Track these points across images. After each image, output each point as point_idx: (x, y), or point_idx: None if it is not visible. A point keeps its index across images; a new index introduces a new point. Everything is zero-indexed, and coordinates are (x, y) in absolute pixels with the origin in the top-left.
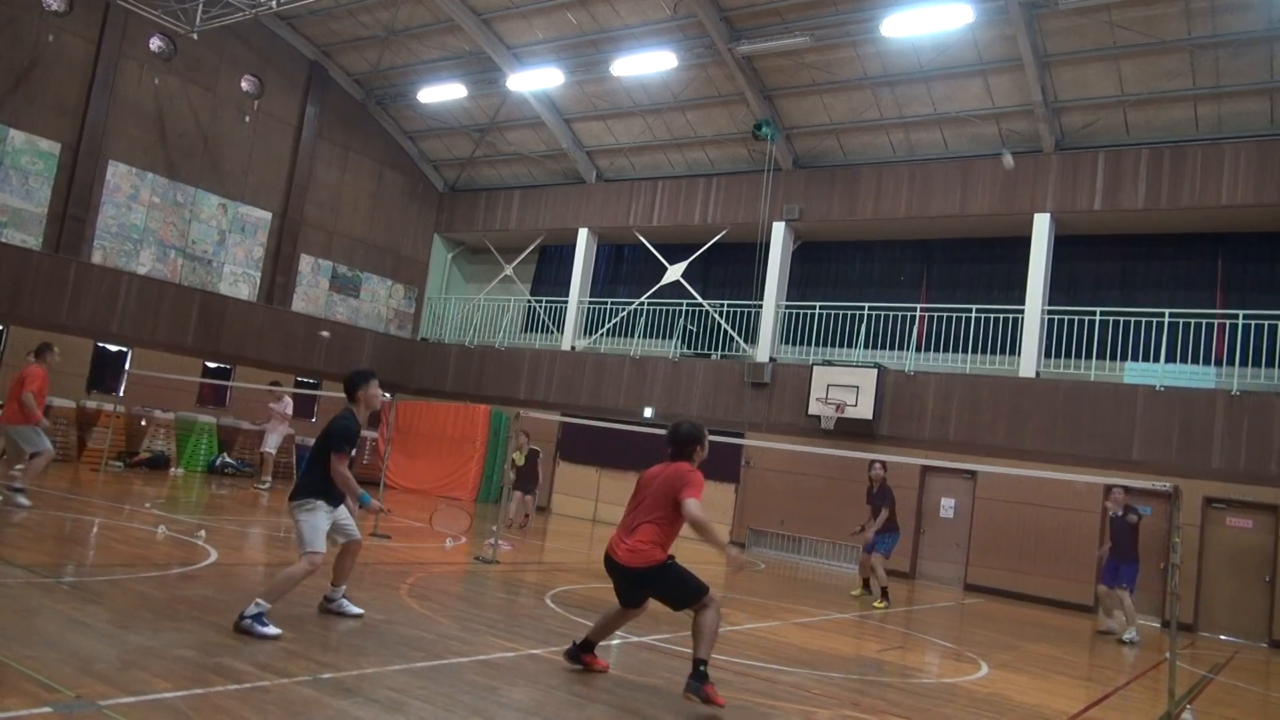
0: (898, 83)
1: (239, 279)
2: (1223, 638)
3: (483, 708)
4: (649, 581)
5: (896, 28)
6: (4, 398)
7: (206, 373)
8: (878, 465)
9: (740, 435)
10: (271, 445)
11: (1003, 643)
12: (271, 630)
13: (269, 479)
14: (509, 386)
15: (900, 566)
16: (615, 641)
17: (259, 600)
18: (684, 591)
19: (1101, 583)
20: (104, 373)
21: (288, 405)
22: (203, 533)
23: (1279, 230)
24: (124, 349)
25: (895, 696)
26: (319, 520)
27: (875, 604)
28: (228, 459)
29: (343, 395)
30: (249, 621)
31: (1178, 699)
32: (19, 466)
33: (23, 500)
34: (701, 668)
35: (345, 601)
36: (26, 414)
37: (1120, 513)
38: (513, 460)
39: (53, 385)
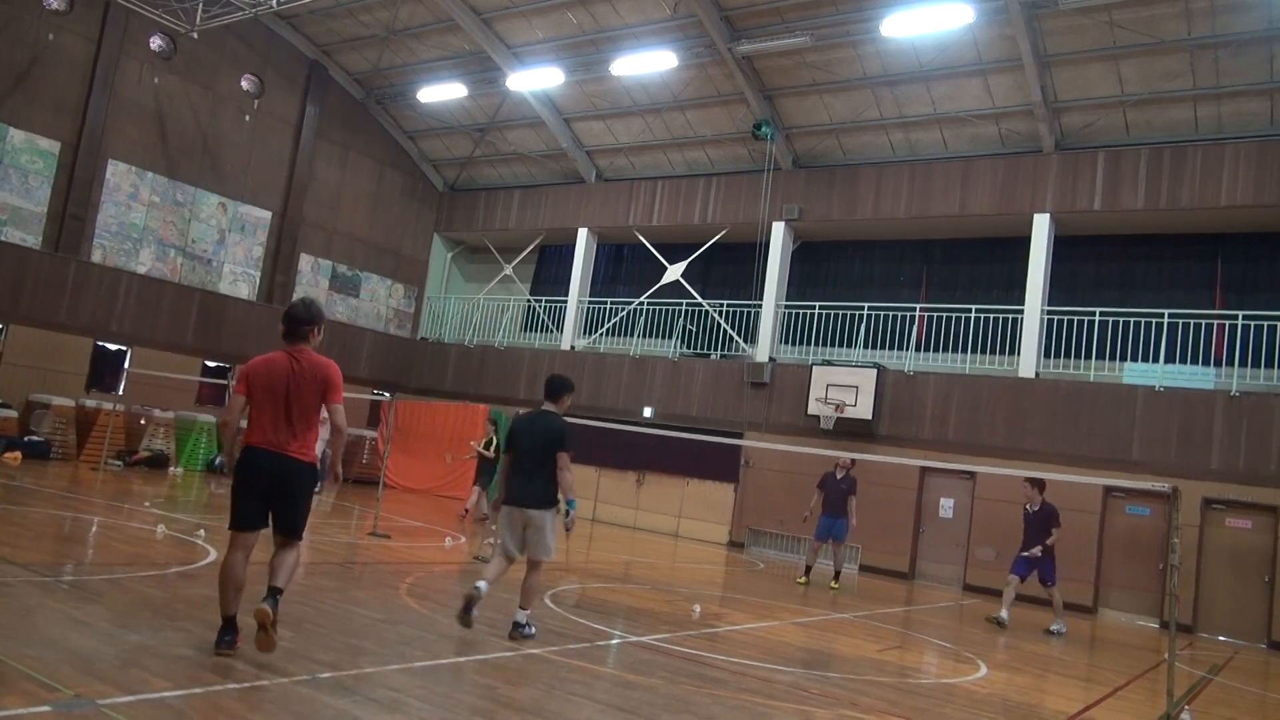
0: (898, 83)
1: (239, 278)
2: (1221, 639)
3: (481, 707)
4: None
5: (896, 28)
6: None
7: (206, 372)
8: (846, 458)
9: (740, 435)
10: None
11: (1001, 643)
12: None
13: (320, 484)
14: (509, 386)
15: (899, 567)
16: (614, 641)
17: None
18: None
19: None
20: (103, 371)
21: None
22: (202, 532)
23: (1279, 230)
24: (123, 348)
25: (894, 696)
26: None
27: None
28: None
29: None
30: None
31: (1176, 700)
32: None
33: None
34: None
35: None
36: None
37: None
38: (478, 451)
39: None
